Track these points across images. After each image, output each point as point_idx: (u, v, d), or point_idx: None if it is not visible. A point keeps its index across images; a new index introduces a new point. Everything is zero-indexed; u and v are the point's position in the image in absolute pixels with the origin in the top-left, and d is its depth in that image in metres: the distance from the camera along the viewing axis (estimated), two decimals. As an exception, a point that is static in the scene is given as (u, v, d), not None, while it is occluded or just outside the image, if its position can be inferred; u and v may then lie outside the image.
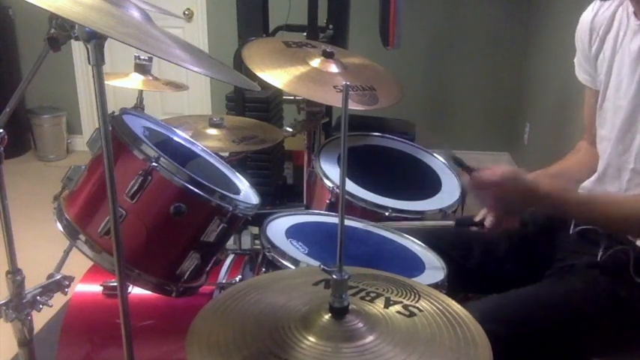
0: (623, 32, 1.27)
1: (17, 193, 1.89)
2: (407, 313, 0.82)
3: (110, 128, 0.98)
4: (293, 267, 1.16)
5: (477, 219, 1.34)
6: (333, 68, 1.71)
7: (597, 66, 1.35)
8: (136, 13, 0.91)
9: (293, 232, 1.31)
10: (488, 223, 1.29)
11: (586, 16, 1.37)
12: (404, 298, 0.86)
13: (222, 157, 1.49)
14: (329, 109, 2.77)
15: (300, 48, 1.80)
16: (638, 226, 1.20)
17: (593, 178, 1.37)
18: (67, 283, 1.18)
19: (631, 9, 1.25)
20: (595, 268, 1.25)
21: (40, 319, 1.45)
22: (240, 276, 1.46)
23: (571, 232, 1.36)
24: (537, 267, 1.34)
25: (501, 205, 1.24)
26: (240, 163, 2.02)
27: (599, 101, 1.34)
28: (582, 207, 1.24)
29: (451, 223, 1.32)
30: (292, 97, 1.97)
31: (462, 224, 1.35)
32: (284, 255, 1.17)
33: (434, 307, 0.84)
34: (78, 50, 4.14)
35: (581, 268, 1.27)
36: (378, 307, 0.83)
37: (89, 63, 0.84)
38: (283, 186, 3.11)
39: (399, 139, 1.93)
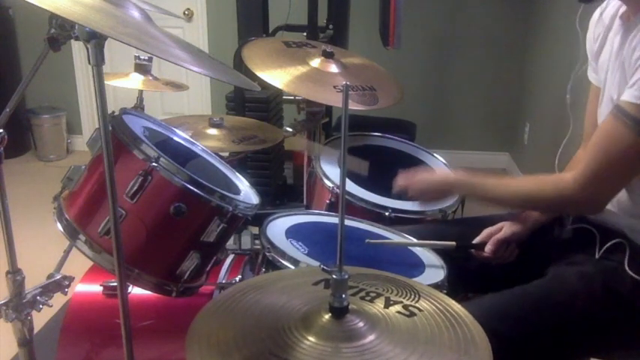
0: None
1: (17, 193, 1.89)
2: (407, 313, 0.82)
3: (110, 128, 0.98)
4: (293, 267, 1.15)
5: (476, 241, 1.39)
6: (333, 68, 1.71)
7: (599, 66, 1.35)
8: (136, 13, 0.91)
9: (293, 232, 1.31)
10: (487, 250, 1.36)
11: (594, 14, 1.36)
12: (404, 298, 0.86)
13: (222, 157, 1.49)
14: (329, 109, 2.77)
15: (300, 48, 1.80)
16: (522, 200, 1.31)
17: None
18: (67, 283, 1.18)
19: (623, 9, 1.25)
20: (592, 264, 1.25)
21: (40, 319, 1.44)
22: (240, 276, 1.46)
23: (567, 227, 1.36)
24: (536, 266, 1.34)
25: (424, 195, 1.50)
26: (240, 163, 2.02)
27: (599, 100, 1.34)
28: (481, 186, 1.37)
29: (452, 243, 1.34)
30: (292, 97, 1.96)
31: (463, 247, 1.39)
32: (284, 255, 1.17)
33: (434, 307, 0.84)
34: (78, 50, 4.14)
35: (579, 265, 1.27)
36: (378, 307, 0.83)
37: (89, 63, 0.84)
38: (283, 186, 3.11)
39: (399, 139, 1.93)
